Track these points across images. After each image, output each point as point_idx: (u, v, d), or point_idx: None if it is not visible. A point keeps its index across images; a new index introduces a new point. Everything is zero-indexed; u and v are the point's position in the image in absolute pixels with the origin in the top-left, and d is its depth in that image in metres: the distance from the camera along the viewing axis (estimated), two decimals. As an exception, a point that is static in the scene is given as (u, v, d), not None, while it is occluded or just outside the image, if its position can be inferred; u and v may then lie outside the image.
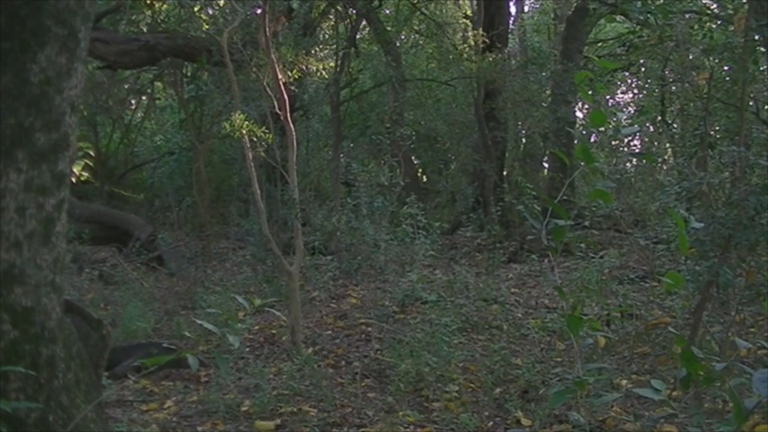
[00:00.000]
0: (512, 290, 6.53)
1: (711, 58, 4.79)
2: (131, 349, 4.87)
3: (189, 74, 10.93)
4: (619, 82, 11.99)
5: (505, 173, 10.63)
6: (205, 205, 10.13)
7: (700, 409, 3.14)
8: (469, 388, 4.24)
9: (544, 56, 11.20)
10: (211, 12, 7.67)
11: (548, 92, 10.31)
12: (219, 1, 7.82)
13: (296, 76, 6.47)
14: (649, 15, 5.66)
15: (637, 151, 10.10)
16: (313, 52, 10.11)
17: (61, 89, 2.20)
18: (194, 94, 10.40)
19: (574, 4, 10.76)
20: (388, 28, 11.41)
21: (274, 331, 5.61)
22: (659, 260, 5.65)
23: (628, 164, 10.45)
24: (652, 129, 10.37)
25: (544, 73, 10.44)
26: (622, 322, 4.84)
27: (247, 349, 5.22)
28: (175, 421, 3.87)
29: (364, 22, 11.15)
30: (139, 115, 14.19)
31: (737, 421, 1.11)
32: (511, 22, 12.04)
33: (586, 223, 6.71)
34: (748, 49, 4.32)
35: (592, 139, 11.63)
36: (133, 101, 13.92)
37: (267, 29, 5.35)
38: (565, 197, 2.54)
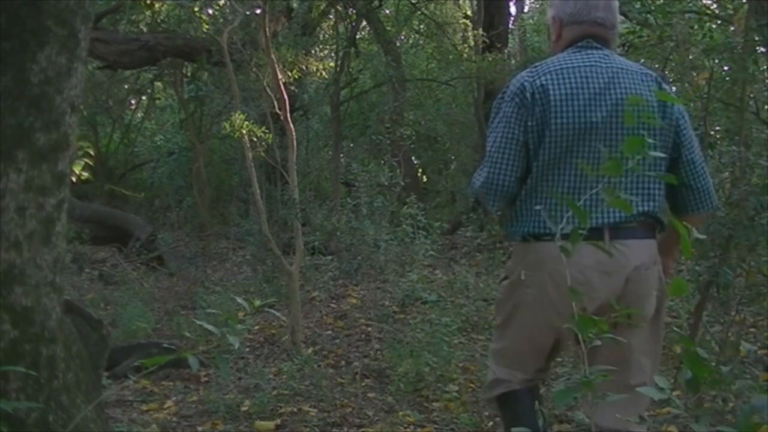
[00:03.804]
0: (512, 290, 6.52)
1: (711, 58, 4.78)
2: (131, 349, 4.87)
3: (189, 74, 10.93)
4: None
5: (505, 173, 10.60)
6: (205, 205, 10.13)
7: (702, 410, 3.13)
8: (469, 388, 4.23)
9: (544, 56, 11.18)
10: (211, 12, 7.67)
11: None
12: (219, 1, 7.82)
13: (296, 76, 6.47)
14: (649, 15, 5.65)
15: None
16: (313, 52, 10.11)
17: (61, 89, 2.19)
18: (194, 94, 10.40)
19: (574, 4, 10.75)
20: (388, 28, 11.41)
21: (274, 331, 5.61)
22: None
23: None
24: (652, 129, 10.35)
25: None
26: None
27: (247, 349, 5.22)
28: (175, 421, 3.87)
29: (364, 22, 11.15)
30: (139, 115, 14.19)
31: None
32: (511, 22, 12.04)
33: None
34: (748, 49, 4.31)
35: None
36: (133, 101, 13.92)
37: (267, 29, 5.35)
38: None
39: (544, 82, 2.24)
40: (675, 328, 2.43)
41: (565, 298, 2.09)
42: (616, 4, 2.41)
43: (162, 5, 9.32)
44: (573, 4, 2.37)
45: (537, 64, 2.37)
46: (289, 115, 5.35)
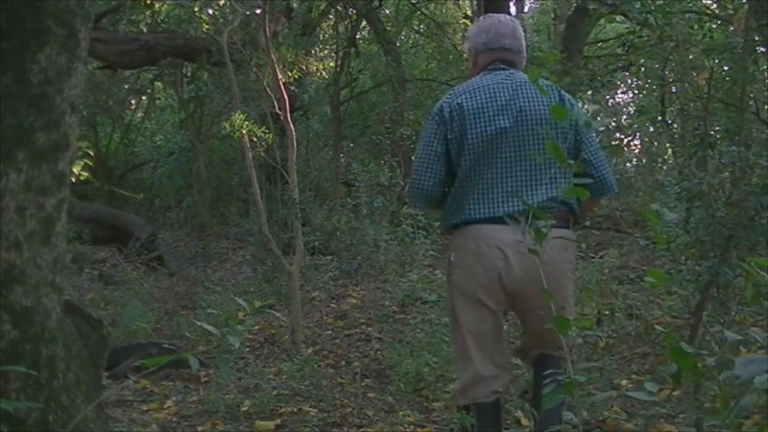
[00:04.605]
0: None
1: (711, 58, 4.79)
2: (131, 349, 4.87)
3: (189, 74, 10.93)
4: (619, 82, 11.98)
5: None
6: (205, 205, 10.13)
7: (698, 407, 3.14)
8: (469, 388, 4.23)
9: (545, 56, 11.16)
10: (211, 12, 7.67)
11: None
12: (219, 1, 7.82)
13: (296, 76, 6.48)
14: (649, 15, 5.66)
15: (636, 151, 10.08)
16: (313, 52, 10.11)
17: (61, 89, 2.19)
18: (194, 94, 10.40)
19: (574, 4, 10.76)
20: (388, 28, 11.40)
21: (274, 331, 5.61)
22: (659, 260, 5.64)
23: (628, 164, 10.43)
24: (652, 129, 10.36)
25: (543, 73, 10.41)
26: (612, 320, 4.84)
27: (247, 349, 5.22)
28: (175, 421, 3.87)
29: (364, 22, 11.14)
30: (139, 115, 14.18)
31: (724, 412, 1.14)
32: (511, 22, 12.02)
33: (587, 223, 6.71)
34: (748, 49, 4.32)
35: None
36: (133, 101, 13.91)
37: (267, 29, 5.35)
38: None
39: (459, 101, 2.77)
40: (658, 327, 2.48)
41: (486, 271, 2.62)
42: (522, 31, 2.88)
43: (162, 5, 9.32)
44: (485, 36, 2.87)
45: (455, 87, 2.94)
46: (289, 115, 5.35)
